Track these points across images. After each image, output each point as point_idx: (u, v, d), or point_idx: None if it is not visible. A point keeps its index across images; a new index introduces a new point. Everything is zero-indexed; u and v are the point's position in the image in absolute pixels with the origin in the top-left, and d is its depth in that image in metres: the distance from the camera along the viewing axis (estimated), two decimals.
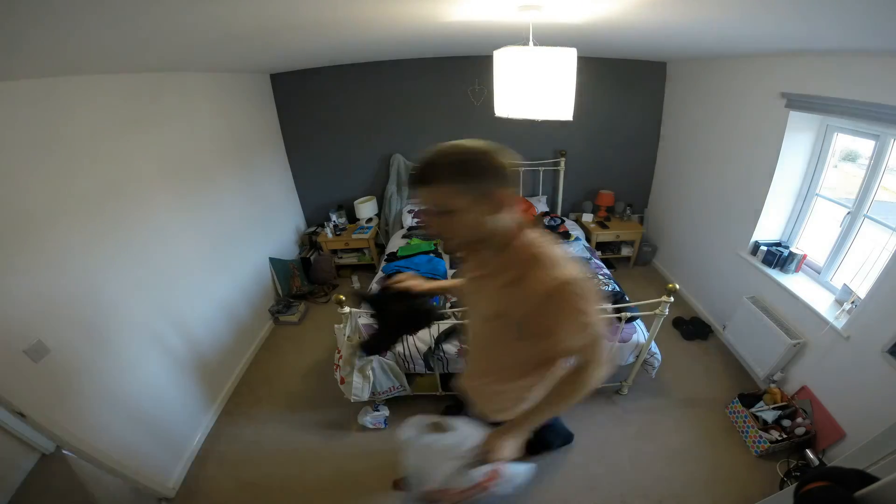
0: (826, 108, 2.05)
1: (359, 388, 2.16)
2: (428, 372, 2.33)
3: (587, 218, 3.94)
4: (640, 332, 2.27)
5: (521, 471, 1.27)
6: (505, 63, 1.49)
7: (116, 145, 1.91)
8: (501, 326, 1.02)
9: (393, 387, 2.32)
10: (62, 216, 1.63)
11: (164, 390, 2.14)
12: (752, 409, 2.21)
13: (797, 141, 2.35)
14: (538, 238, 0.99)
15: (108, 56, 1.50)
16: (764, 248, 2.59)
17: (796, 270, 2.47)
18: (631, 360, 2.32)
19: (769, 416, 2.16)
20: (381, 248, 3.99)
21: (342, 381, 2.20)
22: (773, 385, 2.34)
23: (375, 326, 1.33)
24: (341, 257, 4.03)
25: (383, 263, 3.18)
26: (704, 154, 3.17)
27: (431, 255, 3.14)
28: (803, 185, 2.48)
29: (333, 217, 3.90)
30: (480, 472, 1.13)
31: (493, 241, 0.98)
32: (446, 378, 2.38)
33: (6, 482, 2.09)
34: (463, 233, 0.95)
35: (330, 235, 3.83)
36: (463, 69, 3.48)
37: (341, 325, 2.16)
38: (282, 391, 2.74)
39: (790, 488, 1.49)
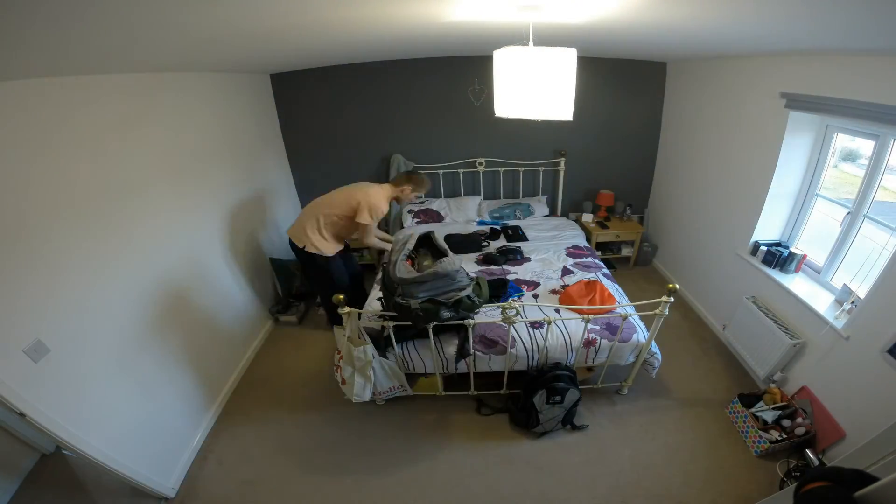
0: (826, 108, 2.05)
1: (360, 388, 2.16)
2: (453, 372, 2.33)
3: (587, 218, 3.94)
4: (640, 332, 2.27)
5: None
6: (505, 63, 1.49)
7: (116, 145, 1.91)
8: None
9: (392, 387, 2.32)
10: (62, 216, 1.63)
11: (163, 390, 2.14)
12: (752, 409, 2.21)
13: (797, 141, 2.35)
14: None
15: (108, 56, 1.50)
16: (764, 248, 2.60)
17: (796, 270, 2.48)
18: (631, 359, 2.32)
19: (769, 416, 2.16)
20: None
21: (343, 383, 2.20)
22: (773, 385, 2.34)
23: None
24: None
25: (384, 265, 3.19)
26: (704, 154, 3.17)
27: None
28: (803, 185, 2.48)
29: None
30: None
31: None
32: (462, 378, 2.41)
33: (6, 482, 2.09)
34: None
35: None
36: (463, 69, 3.48)
37: (341, 327, 2.16)
38: (281, 391, 2.74)
39: (790, 488, 1.50)
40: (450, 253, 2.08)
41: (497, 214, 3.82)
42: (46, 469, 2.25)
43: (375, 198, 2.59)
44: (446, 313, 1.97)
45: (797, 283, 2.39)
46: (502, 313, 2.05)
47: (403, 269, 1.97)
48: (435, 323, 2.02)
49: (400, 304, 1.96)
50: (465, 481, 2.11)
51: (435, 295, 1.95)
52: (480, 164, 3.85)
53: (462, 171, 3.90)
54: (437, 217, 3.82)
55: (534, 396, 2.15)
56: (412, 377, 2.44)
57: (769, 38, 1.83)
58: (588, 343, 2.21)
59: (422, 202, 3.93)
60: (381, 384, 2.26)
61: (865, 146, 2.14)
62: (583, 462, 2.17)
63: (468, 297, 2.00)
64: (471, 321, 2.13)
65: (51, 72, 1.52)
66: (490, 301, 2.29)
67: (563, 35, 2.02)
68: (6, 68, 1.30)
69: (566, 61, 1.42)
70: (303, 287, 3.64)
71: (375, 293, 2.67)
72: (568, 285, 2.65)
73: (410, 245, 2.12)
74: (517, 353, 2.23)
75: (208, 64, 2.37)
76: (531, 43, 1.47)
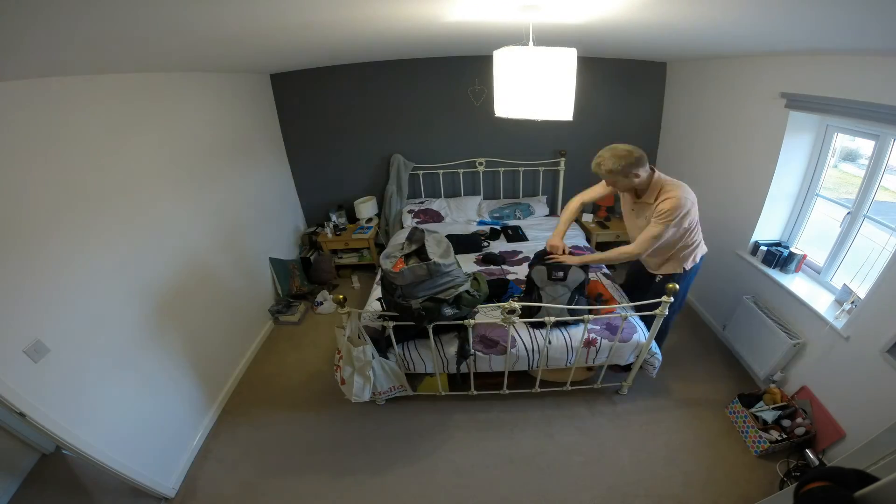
0: (826, 108, 2.05)
1: (360, 388, 2.16)
2: (453, 371, 2.31)
3: (587, 218, 3.94)
4: (640, 332, 2.27)
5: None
6: (505, 63, 1.49)
7: (116, 146, 1.91)
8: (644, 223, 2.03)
9: (393, 387, 2.32)
10: (62, 216, 1.63)
11: (163, 390, 2.14)
12: (752, 409, 2.21)
13: (797, 141, 2.35)
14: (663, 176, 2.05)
15: (108, 56, 1.50)
16: (764, 248, 2.60)
17: (796, 270, 2.47)
18: (631, 359, 2.32)
19: (769, 416, 2.16)
20: (380, 247, 3.99)
21: (343, 383, 2.20)
22: (773, 385, 2.34)
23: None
24: (341, 257, 4.03)
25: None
26: (704, 154, 3.17)
27: None
28: (803, 185, 2.48)
29: (333, 217, 3.90)
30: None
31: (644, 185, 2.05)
32: (464, 378, 2.41)
33: (6, 482, 2.09)
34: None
35: (330, 235, 3.83)
36: (463, 69, 3.48)
37: (342, 327, 2.15)
38: (281, 391, 2.74)
39: (790, 488, 1.49)
40: (450, 254, 2.06)
41: (497, 214, 3.82)
42: (46, 469, 2.25)
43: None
44: (448, 310, 1.97)
45: (797, 283, 2.39)
46: (502, 313, 2.05)
47: (388, 265, 1.98)
48: (438, 322, 2.02)
49: (401, 304, 1.96)
50: (464, 481, 2.11)
51: (434, 293, 1.95)
52: (480, 164, 3.85)
53: (462, 171, 3.90)
54: (437, 217, 3.82)
55: (531, 272, 2.16)
56: (416, 377, 2.45)
57: (769, 38, 1.83)
58: (588, 343, 2.21)
59: (422, 202, 3.93)
60: (381, 384, 2.26)
61: (865, 146, 2.14)
62: (583, 462, 2.17)
63: (467, 291, 2.00)
64: (471, 322, 2.13)
65: (50, 72, 1.52)
66: (491, 301, 2.29)
67: (563, 35, 2.02)
68: (6, 68, 1.30)
69: (566, 61, 1.42)
70: (303, 287, 3.65)
71: (375, 293, 2.66)
72: None
73: (407, 250, 2.11)
74: (517, 354, 2.23)
75: (209, 64, 2.37)
76: (531, 43, 1.47)
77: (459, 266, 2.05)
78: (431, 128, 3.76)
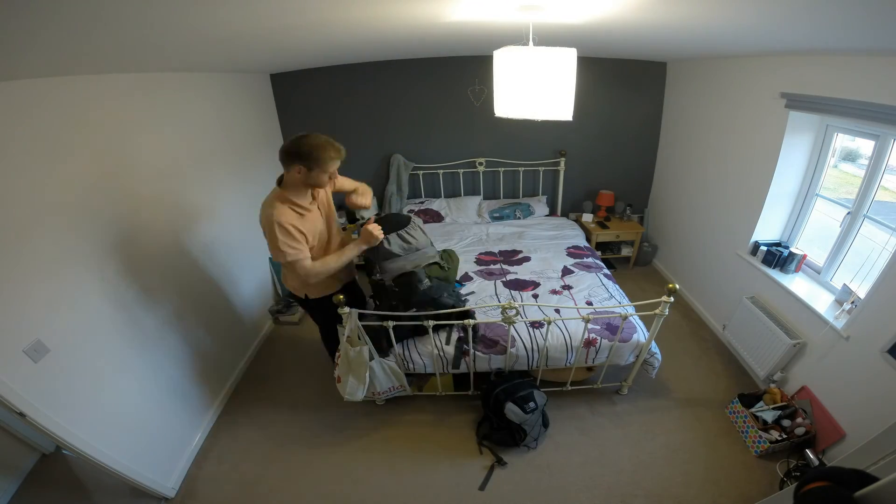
0: (826, 108, 2.05)
1: (353, 388, 2.16)
2: (453, 371, 2.32)
3: (587, 218, 3.94)
4: (640, 332, 2.27)
5: None
6: (505, 63, 1.49)
7: (116, 146, 1.91)
8: None
9: (392, 387, 2.32)
10: (62, 215, 1.63)
11: (163, 390, 2.14)
12: (752, 409, 2.21)
13: (797, 141, 2.35)
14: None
15: (108, 56, 1.50)
16: (764, 248, 2.60)
17: (796, 270, 2.48)
18: (631, 359, 2.32)
19: (769, 416, 2.16)
20: None
21: (338, 380, 2.20)
22: (773, 385, 2.34)
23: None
24: None
25: None
26: (704, 154, 3.17)
27: None
28: (803, 185, 2.48)
29: None
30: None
31: None
32: (464, 377, 2.41)
33: (6, 482, 2.09)
34: None
35: None
36: (463, 69, 3.48)
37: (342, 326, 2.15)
38: (281, 391, 2.74)
39: (790, 488, 1.49)
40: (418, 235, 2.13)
41: (497, 214, 3.82)
42: (46, 469, 2.25)
43: (276, 212, 1.75)
44: (425, 281, 2.05)
45: (797, 283, 2.39)
46: (502, 313, 2.05)
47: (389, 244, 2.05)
48: (433, 310, 2.05)
49: (377, 281, 2.09)
50: (465, 481, 2.11)
51: (406, 269, 2.04)
52: (480, 164, 3.85)
53: (462, 171, 3.90)
54: (437, 217, 3.82)
55: (506, 412, 2.13)
56: (422, 378, 2.45)
57: (769, 38, 1.83)
58: (588, 343, 2.21)
59: (422, 202, 3.93)
60: (380, 384, 2.26)
61: (865, 146, 2.15)
62: (583, 462, 2.17)
63: (437, 263, 2.11)
64: (471, 321, 2.13)
65: (51, 72, 1.52)
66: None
67: (563, 35, 2.02)
68: (6, 69, 1.30)
69: (566, 61, 1.42)
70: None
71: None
72: (568, 285, 2.66)
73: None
74: (517, 353, 2.23)
75: (209, 64, 2.37)
76: (531, 43, 1.47)
77: (432, 245, 2.17)
78: (431, 128, 3.76)
